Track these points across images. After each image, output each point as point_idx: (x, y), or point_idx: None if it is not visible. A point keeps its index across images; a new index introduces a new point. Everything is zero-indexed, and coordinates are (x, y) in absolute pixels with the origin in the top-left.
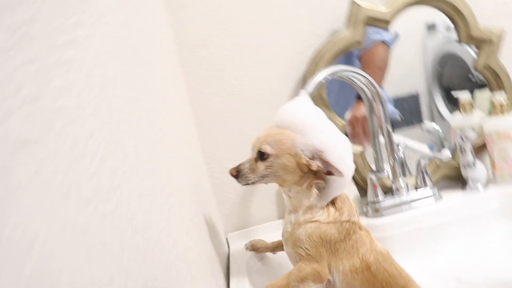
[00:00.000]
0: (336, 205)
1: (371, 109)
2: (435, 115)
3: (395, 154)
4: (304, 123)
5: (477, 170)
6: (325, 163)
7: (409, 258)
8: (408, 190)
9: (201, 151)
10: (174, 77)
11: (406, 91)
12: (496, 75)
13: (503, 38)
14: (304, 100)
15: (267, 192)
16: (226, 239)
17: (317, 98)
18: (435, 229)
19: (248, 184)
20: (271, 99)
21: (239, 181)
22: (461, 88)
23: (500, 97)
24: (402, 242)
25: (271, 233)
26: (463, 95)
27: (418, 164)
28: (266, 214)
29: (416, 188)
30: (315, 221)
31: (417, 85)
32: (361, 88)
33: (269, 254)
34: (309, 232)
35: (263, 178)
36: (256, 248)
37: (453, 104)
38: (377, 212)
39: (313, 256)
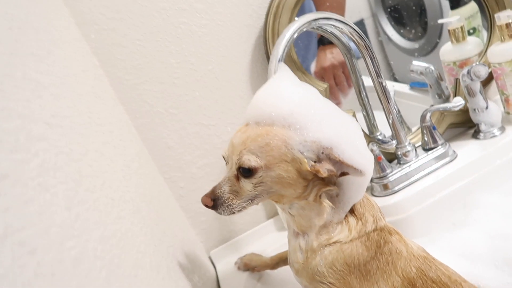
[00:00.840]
0: (356, 212)
1: (352, 62)
2: (385, 42)
3: (394, 111)
4: (296, 112)
5: (491, 113)
6: (337, 163)
7: (436, 240)
8: (416, 154)
9: (151, 160)
10: (86, 71)
11: (349, 18)
12: None
13: None
14: (285, 77)
15: None
16: (210, 258)
17: (287, 62)
18: (458, 195)
19: (234, 213)
20: (226, 73)
21: (219, 212)
22: (408, 6)
23: (505, 15)
24: (423, 220)
25: (263, 239)
26: (453, 20)
27: (423, 120)
28: (250, 217)
29: (425, 149)
30: (334, 242)
31: (361, 10)
32: (339, 40)
33: (269, 270)
34: (330, 261)
35: (252, 201)
36: (251, 268)
37: (402, 26)
38: (386, 189)
39: None
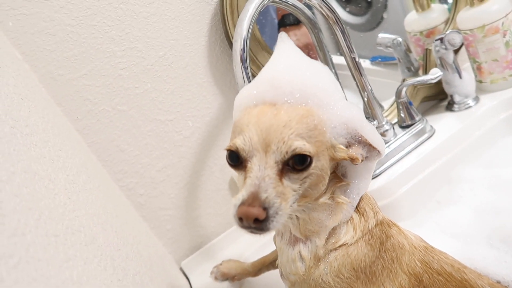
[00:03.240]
0: (358, 207)
1: (320, 40)
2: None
3: (368, 87)
4: (323, 89)
5: (465, 83)
6: (365, 146)
7: (424, 222)
8: (395, 133)
9: (102, 168)
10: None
11: None
12: None
13: None
14: (293, 48)
15: (213, 187)
16: (181, 269)
17: (251, 41)
18: (441, 172)
19: (284, 222)
20: (181, 59)
21: (270, 228)
22: None
23: None
24: (409, 202)
25: (239, 241)
26: None
27: (399, 95)
28: (222, 218)
29: (402, 126)
30: (341, 246)
31: None
32: (304, 14)
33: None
34: (336, 267)
35: (294, 202)
36: (230, 277)
37: (346, 1)
38: None
39: None
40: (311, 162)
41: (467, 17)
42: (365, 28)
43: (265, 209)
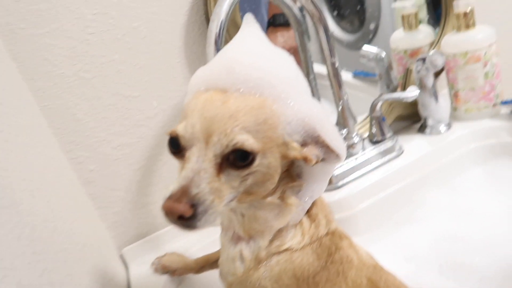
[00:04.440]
0: (309, 213)
1: (303, 41)
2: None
3: (344, 97)
4: (284, 78)
5: (440, 108)
6: (323, 147)
7: (380, 240)
8: (363, 147)
9: (52, 135)
10: None
11: None
12: None
13: None
14: (258, 33)
15: (168, 175)
16: (121, 256)
17: (231, 28)
18: (404, 193)
19: (215, 221)
20: (156, 34)
21: (198, 226)
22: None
23: (464, 3)
24: (368, 218)
25: (187, 235)
26: (407, 5)
27: (373, 109)
28: None
29: (372, 141)
30: (285, 250)
31: None
32: (290, 10)
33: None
34: (277, 273)
35: (232, 200)
36: (171, 271)
37: (340, 17)
38: (330, 183)
39: None
40: (253, 159)
41: (452, 41)
42: (356, 46)
43: (193, 206)
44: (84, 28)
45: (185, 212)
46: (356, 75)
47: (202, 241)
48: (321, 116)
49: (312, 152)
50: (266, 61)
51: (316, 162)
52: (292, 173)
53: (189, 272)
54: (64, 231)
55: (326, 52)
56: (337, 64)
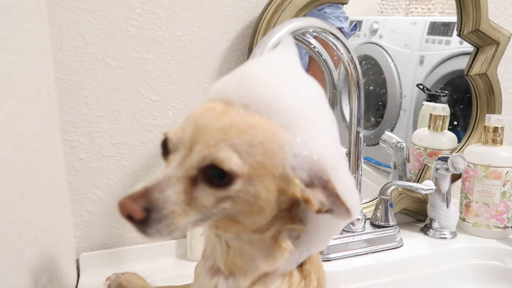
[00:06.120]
0: (302, 268)
1: (334, 100)
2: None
3: (360, 171)
4: (301, 109)
5: (450, 214)
6: (331, 196)
7: None
8: (364, 226)
9: (56, 110)
10: None
11: None
12: (489, 87)
13: (509, 44)
14: (293, 58)
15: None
16: (77, 261)
17: None
18: (392, 286)
19: (170, 235)
20: (195, 48)
21: (149, 233)
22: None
23: (496, 118)
24: None
25: (155, 260)
26: (439, 106)
27: (384, 192)
28: None
29: (374, 224)
30: None
31: None
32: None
33: None
34: None
35: (202, 221)
36: None
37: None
38: (320, 253)
39: None
40: (231, 181)
41: (475, 151)
42: (371, 142)
43: (148, 210)
44: (129, 19)
45: (134, 213)
46: (367, 160)
47: (167, 272)
48: (337, 160)
49: (316, 196)
50: (284, 83)
51: (320, 210)
52: (293, 214)
53: None
54: (28, 211)
55: (354, 119)
56: (361, 134)
